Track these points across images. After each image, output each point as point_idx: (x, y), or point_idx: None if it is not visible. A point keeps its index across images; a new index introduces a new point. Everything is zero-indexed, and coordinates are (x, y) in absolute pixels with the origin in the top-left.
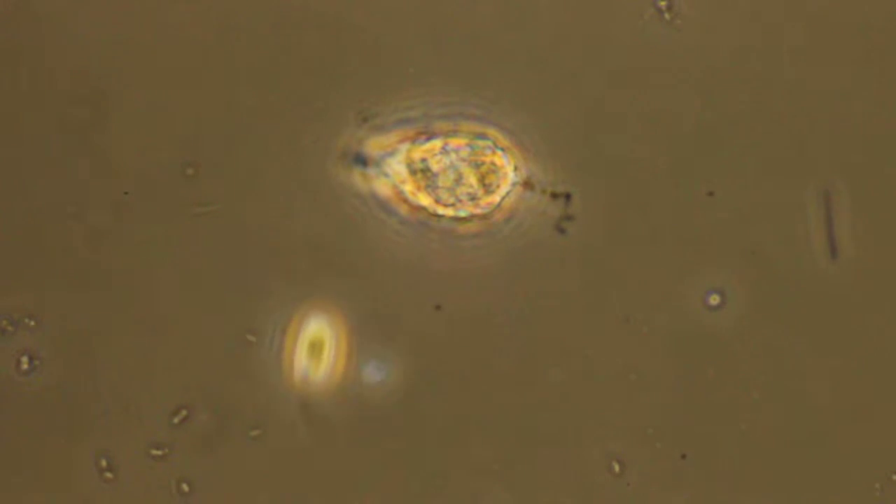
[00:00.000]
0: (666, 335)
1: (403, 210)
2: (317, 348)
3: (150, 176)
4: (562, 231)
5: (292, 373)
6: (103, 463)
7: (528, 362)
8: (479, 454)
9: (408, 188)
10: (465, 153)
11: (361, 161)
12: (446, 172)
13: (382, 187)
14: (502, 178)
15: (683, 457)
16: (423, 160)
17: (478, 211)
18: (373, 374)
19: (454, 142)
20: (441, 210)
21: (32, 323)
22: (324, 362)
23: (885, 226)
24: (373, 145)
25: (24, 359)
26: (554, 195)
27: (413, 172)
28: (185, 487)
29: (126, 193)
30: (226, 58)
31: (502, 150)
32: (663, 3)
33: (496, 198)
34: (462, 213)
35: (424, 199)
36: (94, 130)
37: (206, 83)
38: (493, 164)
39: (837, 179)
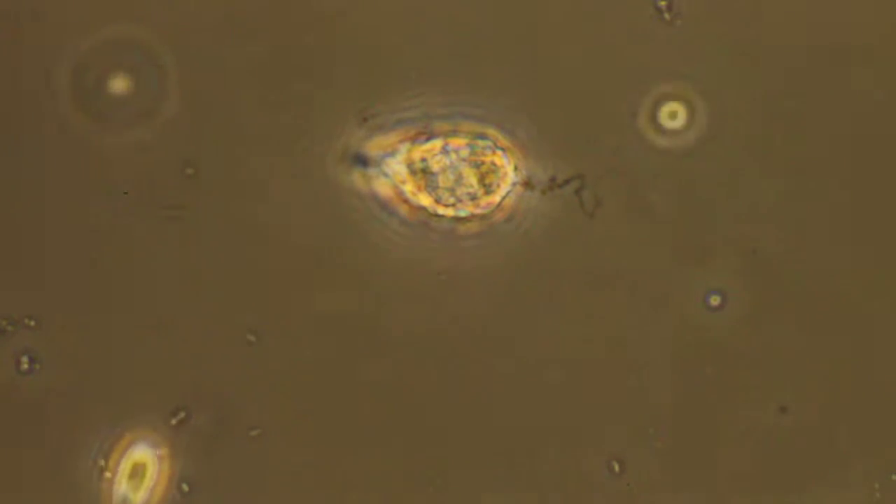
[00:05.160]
0: (666, 335)
1: (404, 210)
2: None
3: (150, 176)
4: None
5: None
6: (103, 463)
7: (528, 362)
8: (479, 454)
9: (408, 188)
10: (465, 153)
11: (362, 161)
12: (446, 172)
13: (382, 187)
14: (502, 178)
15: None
16: (424, 160)
17: (478, 211)
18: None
19: (454, 142)
20: (441, 210)
21: (32, 323)
22: (144, 489)
23: (886, 226)
24: (373, 145)
25: (24, 359)
26: (558, 185)
27: (413, 172)
28: (185, 487)
29: (126, 193)
30: (226, 58)
31: (502, 150)
32: (663, 3)
33: (496, 198)
34: (462, 213)
35: (425, 200)
36: (94, 131)
37: (205, 83)
38: (493, 164)
39: (838, 178)
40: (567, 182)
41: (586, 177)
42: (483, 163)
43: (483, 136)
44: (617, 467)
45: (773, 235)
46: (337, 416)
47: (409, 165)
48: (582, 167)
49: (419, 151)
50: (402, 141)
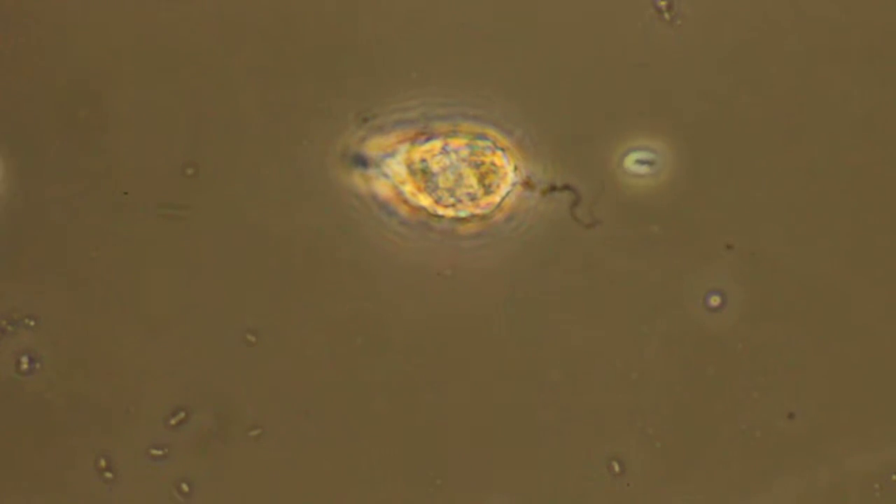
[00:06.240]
0: (666, 336)
1: (403, 211)
2: None
3: (150, 176)
4: (590, 223)
5: None
6: (103, 463)
7: (528, 362)
8: (478, 454)
9: (408, 189)
10: (464, 153)
11: (361, 162)
12: (446, 173)
13: (382, 188)
14: (502, 178)
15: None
16: (423, 161)
17: (478, 211)
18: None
19: (454, 142)
20: (441, 210)
21: (32, 323)
22: None
23: (886, 226)
24: (372, 146)
25: (24, 359)
26: (553, 188)
27: (413, 173)
28: (185, 487)
29: (126, 193)
30: (226, 58)
31: (502, 150)
32: (663, 3)
33: (496, 198)
34: (462, 214)
35: (424, 200)
36: (94, 130)
37: (206, 83)
38: (492, 164)
39: (838, 178)
40: (567, 187)
41: (581, 190)
42: (483, 163)
43: (483, 137)
44: (617, 467)
45: (773, 235)
46: (337, 415)
47: (409, 166)
48: (580, 169)
49: (419, 152)
50: (401, 141)
